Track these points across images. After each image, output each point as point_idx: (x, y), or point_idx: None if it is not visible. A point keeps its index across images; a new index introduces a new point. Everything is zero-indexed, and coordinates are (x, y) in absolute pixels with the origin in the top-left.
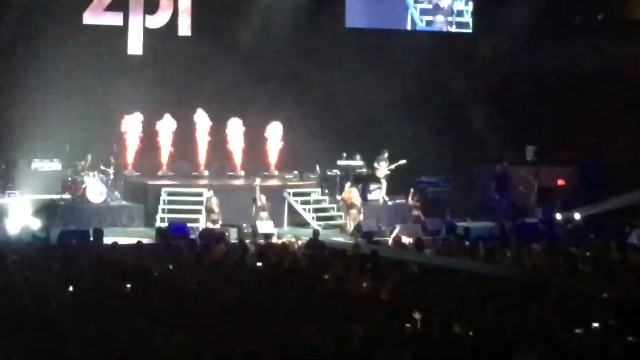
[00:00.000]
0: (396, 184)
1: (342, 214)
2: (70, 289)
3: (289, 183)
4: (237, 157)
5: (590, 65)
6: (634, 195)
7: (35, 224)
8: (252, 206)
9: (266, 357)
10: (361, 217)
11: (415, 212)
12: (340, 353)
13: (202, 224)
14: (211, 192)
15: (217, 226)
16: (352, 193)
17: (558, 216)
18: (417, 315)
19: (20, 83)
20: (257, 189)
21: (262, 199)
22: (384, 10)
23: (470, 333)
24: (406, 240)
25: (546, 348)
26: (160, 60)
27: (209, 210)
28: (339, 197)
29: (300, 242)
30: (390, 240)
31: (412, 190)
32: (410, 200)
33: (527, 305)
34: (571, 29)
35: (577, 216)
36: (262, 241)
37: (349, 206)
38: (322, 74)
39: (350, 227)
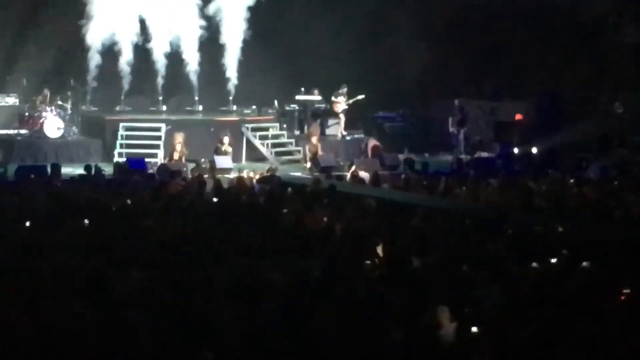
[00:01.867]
0: (354, 118)
1: (300, 148)
2: (27, 224)
3: (247, 118)
4: (195, 92)
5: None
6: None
7: None
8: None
9: (222, 293)
10: (318, 146)
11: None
12: (299, 288)
13: (160, 159)
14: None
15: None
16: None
17: (515, 151)
18: (379, 250)
19: None
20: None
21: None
22: None
23: (427, 267)
24: (364, 175)
25: (504, 282)
26: None
27: (172, 147)
28: (297, 132)
29: (257, 177)
30: (348, 175)
31: None
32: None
33: (483, 240)
34: None
35: (534, 150)
36: (219, 176)
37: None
38: (280, 9)
39: (306, 159)
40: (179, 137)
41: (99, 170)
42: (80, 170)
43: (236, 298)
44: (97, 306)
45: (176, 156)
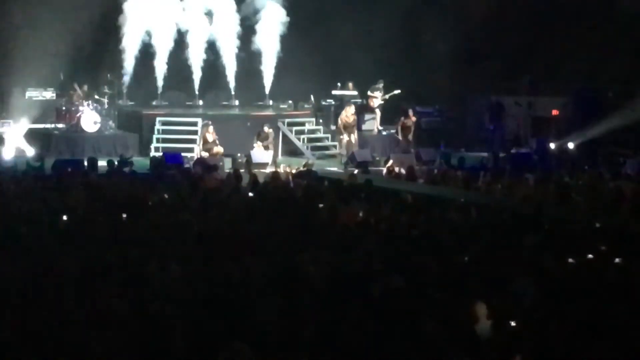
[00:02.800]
0: (391, 113)
1: (336, 143)
2: (65, 218)
3: (284, 113)
4: (232, 87)
5: None
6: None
7: (30, 153)
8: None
9: (261, 287)
10: (354, 141)
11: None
12: (336, 282)
13: (197, 153)
14: (208, 123)
15: (218, 152)
16: (348, 112)
17: (552, 146)
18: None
19: (13, 10)
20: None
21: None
22: None
23: (465, 261)
24: (400, 170)
25: (540, 277)
26: None
27: (205, 140)
28: (333, 127)
29: (294, 172)
30: (384, 170)
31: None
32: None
33: (520, 235)
34: None
35: (570, 146)
36: (255, 171)
37: (345, 127)
38: (316, 4)
39: (342, 152)
40: (209, 130)
41: (124, 162)
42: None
43: (273, 292)
44: (135, 301)
45: (211, 148)
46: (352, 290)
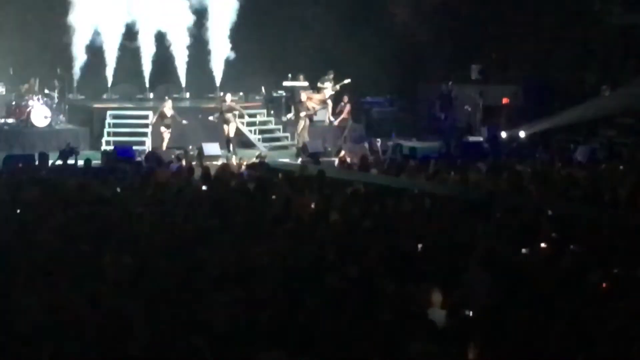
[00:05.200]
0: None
1: (288, 134)
2: (17, 211)
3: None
4: (183, 79)
5: None
6: (575, 112)
7: None
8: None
9: (215, 279)
10: (306, 127)
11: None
12: (290, 274)
13: (148, 146)
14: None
15: (168, 131)
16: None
17: (503, 134)
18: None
19: None
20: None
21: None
22: None
23: (418, 251)
24: (352, 160)
25: (494, 266)
26: None
27: (162, 115)
28: (284, 119)
29: (246, 164)
30: (336, 161)
31: None
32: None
33: (473, 224)
34: None
35: (522, 134)
36: (207, 163)
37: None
38: None
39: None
40: (167, 106)
41: (70, 150)
42: (70, 159)
43: (228, 283)
44: (90, 294)
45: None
46: (306, 281)
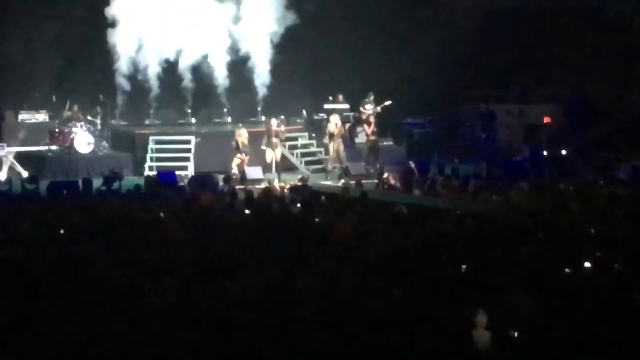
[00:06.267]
0: (383, 125)
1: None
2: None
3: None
4: (224, 104)
5: (574, 1)
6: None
7: (24, 176)
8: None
9: (258, 301)
10: (339, 151)
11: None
12: (334, 295)
13: (191, 171)
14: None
15: (245, 159)
16: (331, 121)
17: (545, 153)
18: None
19: (4, 34)
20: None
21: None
22: None
23: (462, 271)
24: (394, 182)
25: (537, 286)
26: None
27: (240, 146)
28: (325, 141)
29: (289, 187)
30: (378, 183)
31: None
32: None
33: (515, 244)
34: None
35: (563, 152)
36: (250, 187)
37: (330, 137)
38: (306, 20)
39: (331, 164)
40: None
41: (114, 175)
42: (114, 185)
43: (270, 306)
44: (131, 318)
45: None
46: (350, 303)
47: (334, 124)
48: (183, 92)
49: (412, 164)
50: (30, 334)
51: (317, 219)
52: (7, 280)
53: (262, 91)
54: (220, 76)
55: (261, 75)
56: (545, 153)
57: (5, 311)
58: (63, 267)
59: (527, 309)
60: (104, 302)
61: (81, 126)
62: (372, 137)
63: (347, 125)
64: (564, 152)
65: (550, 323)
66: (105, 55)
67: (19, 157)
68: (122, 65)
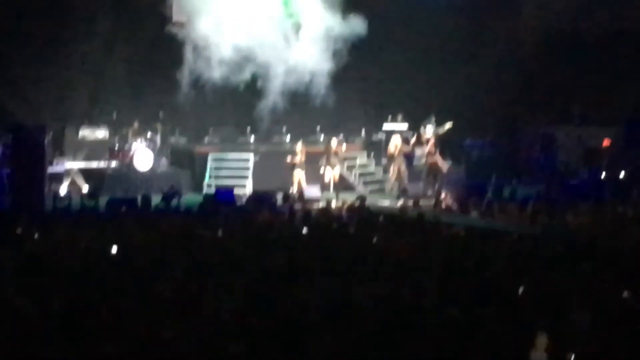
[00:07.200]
0: (442, 146)
1: (387, 177)
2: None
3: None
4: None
5: (634, 24)
6: None
7: (85, 192)
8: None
9: (317, 320)
10: (400, 172)
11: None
12: (390, 315)
13: (249, 189)
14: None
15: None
16: (391, 142)
17: (603, 176)
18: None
19: (65, 52)
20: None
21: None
22: None
23: (521, 292)
24: (452, 202)
25: (596, 308)
26: None
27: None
28: (384, 161)
29: (347, 206)
30: (436, 203)
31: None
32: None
33: (575, 266)
34: None
35: (622, 174)
36: (309, 206)
37: (389, 158)
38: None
39: (391, 184)
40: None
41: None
42: (172, 202)
43: (330, 324)
44: (191, 333)
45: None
46: (407, 322)
47: (394, 144)
48: (243, 110)
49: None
50: (89, 347)
51: (374, 239)
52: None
53: (321, 110)
54: (280, 94)
55: (321, 93)
56: (603, 175)
57: (67, 327)
58: (122, 284)
59: (587, 330)
60: (166, 319)
61: (141, 143)
62: (432, 158)
63: (408, 144)
64: (622, 174)
65: (609, 346)
66: (165, 71)
67: (80, 173)
68: (183, 81)
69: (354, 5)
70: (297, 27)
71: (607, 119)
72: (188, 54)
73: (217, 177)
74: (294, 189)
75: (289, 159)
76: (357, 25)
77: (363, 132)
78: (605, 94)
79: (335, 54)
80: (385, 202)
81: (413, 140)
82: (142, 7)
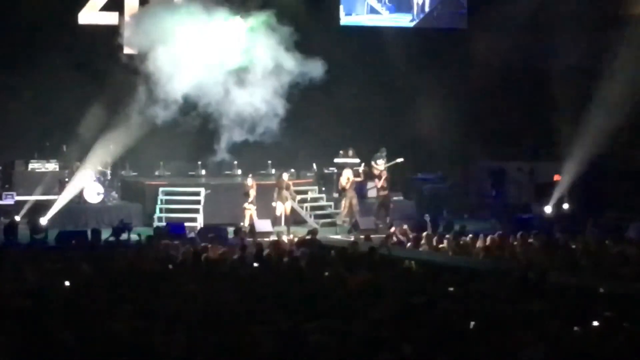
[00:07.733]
0: (393, 181)
1: (339, 211)
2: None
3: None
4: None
5: (584, 59)
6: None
7: (33, 226)
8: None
9: (268, 355)
10: (350, 206)
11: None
12: (343, 350)
13: (200, 222)
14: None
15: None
16: (342, 176)
17: (548, 209)
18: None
19: (16, 84)
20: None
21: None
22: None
23: (471, 328)
24: (404, 237)
25: (548, 344)
26: None
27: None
28: (335, 195)
29: (297, 240)
30: (387, 238)
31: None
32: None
33: (526, 301)
34: (564, 22)
35: (565, 206)
36: (260, 240)
37: (341, 191)
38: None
39: (342, 218)
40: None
41: (123, 226)
42: (122, 235)
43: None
44: None
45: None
46: (360, 358)
47: (346, 177)
48: (193, 144)
49: (427, 218)
50: None
51: (326, 273)
52: (15, 331)
53: (273, 145)
54: (231, 128)
55: (272, 128)
56: (548, 209)
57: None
58: (71, 318)
59: None
60: (113, 354)
61: (91, 176)
62: (383, 192)
63: (359, 179)
64: (565, 206)
65: None
66: (114, 106)
67: (29, 206)
68: (133, 116)
69: (306, 47)
70: (250, 66)
71: (558, 154)
72: (139, 88)
73: (167, 210)
74: (245, 223)
75: (245, 188)
76: (311, 66)
77: (314, 166)
78: (556, 128)
79: (287, 93)
80: (337, 236)
81: (364, 171)
82: (96, 38)
